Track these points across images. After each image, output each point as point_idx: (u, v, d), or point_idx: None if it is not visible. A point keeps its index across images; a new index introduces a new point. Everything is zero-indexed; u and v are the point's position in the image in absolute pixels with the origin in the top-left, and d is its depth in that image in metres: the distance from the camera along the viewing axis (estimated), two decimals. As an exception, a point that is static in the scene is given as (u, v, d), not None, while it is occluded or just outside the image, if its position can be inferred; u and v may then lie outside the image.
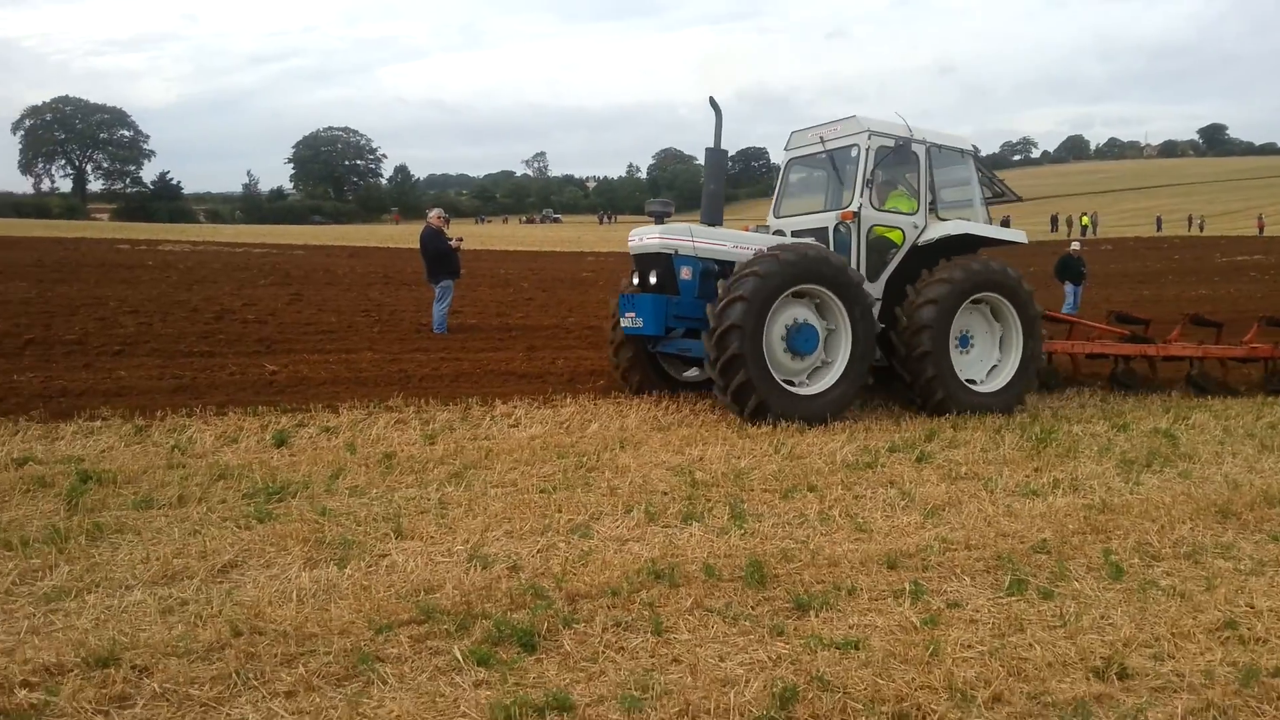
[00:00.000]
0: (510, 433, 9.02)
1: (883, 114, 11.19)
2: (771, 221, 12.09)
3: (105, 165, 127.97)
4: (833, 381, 9.96)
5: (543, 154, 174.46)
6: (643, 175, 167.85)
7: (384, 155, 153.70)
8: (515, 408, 9.96)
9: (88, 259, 27.50)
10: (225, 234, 57.30)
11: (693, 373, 11.29)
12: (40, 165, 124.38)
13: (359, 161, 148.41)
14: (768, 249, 9.94)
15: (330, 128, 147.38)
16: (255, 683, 4.03)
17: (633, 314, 10.42)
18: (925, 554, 5.77)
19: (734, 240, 10.64)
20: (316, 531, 5.89)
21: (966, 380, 10.71)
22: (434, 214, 16.42)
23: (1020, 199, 12.90)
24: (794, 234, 11.47)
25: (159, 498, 6.54)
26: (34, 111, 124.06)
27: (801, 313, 9.87)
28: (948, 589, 5.28)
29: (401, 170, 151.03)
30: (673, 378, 11.39)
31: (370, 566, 5.39)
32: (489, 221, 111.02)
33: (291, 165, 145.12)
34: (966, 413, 10.30)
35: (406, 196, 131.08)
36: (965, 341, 10.92)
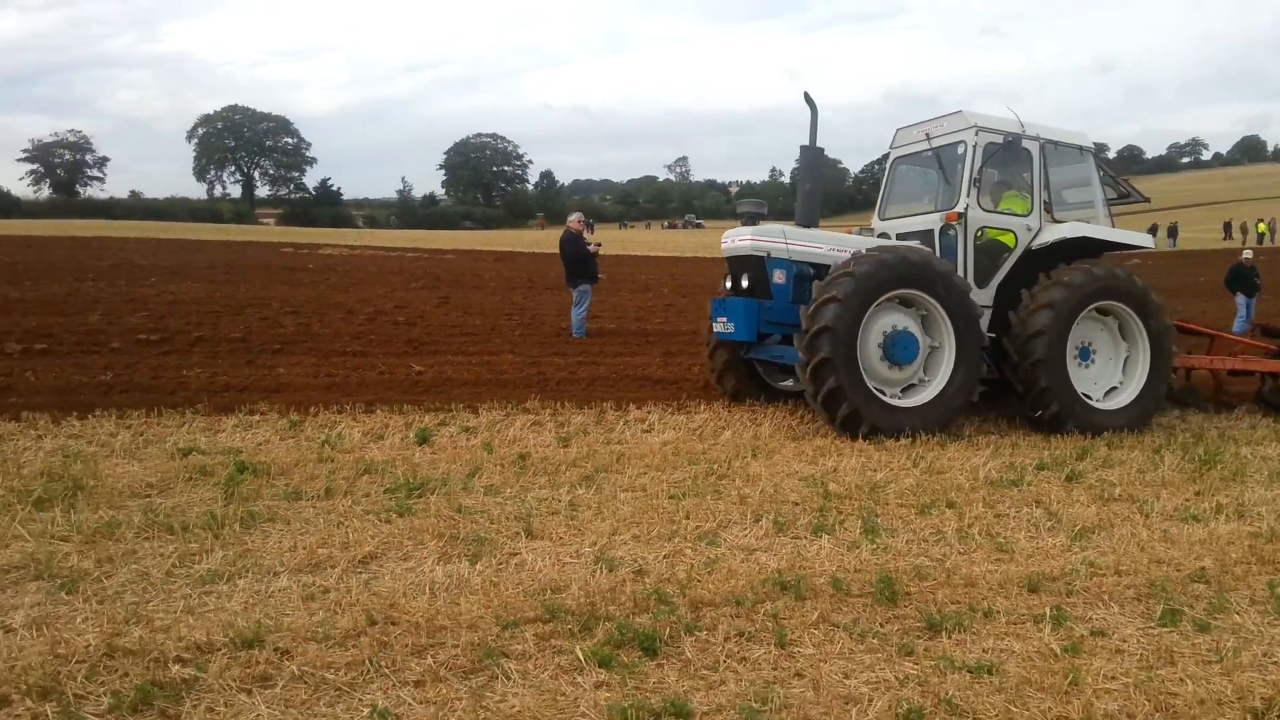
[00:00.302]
0: (643, 438, 9.08)
1: (997, 110, 10.56)
2: (876, 224, 11.64)
3: (271, 172, 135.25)
4: (934, 395, 9.46)
5: (685, 158, 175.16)
6: (786, 179, 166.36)
7: (530, 161, 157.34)
8: (649, 413, 10.02)
9: (254, 261, 29.14)
10: (381, 238, 59.76)
11: (789, 382, 10.96)
12: (212, 172, 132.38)
13: (506, 167, 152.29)
14: (866, 250, 9.53)
15: (479, 134, 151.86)
16: (387, 670, 4.17)
17: (724, 319, 10.15)
18: (1070, 578, 5.51)
19: (830, 243, 10.24)
20: (452, 527, 6.06)
21: (1083, 394, 9.99)
22: (574, 219, 16.69)
23: (1147, 200, 11.91)
24: (899, 237, 10.95)
25: (308, 490, 6.85)
26: (206, 120, 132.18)
27: (901, 320, 9.42)
28: (1093, 616, 5.02)
29: (547, 176, 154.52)
30: (770, 385, 11.07)
31: (500, 564, 5.51)
32: (631, 227, 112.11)
33: (443, 172, 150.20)
34: (1085, 432, 9.64)
35: (551, 202, 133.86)
36: (1085, 354, 10.23)
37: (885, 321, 9.36)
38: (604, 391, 11.18)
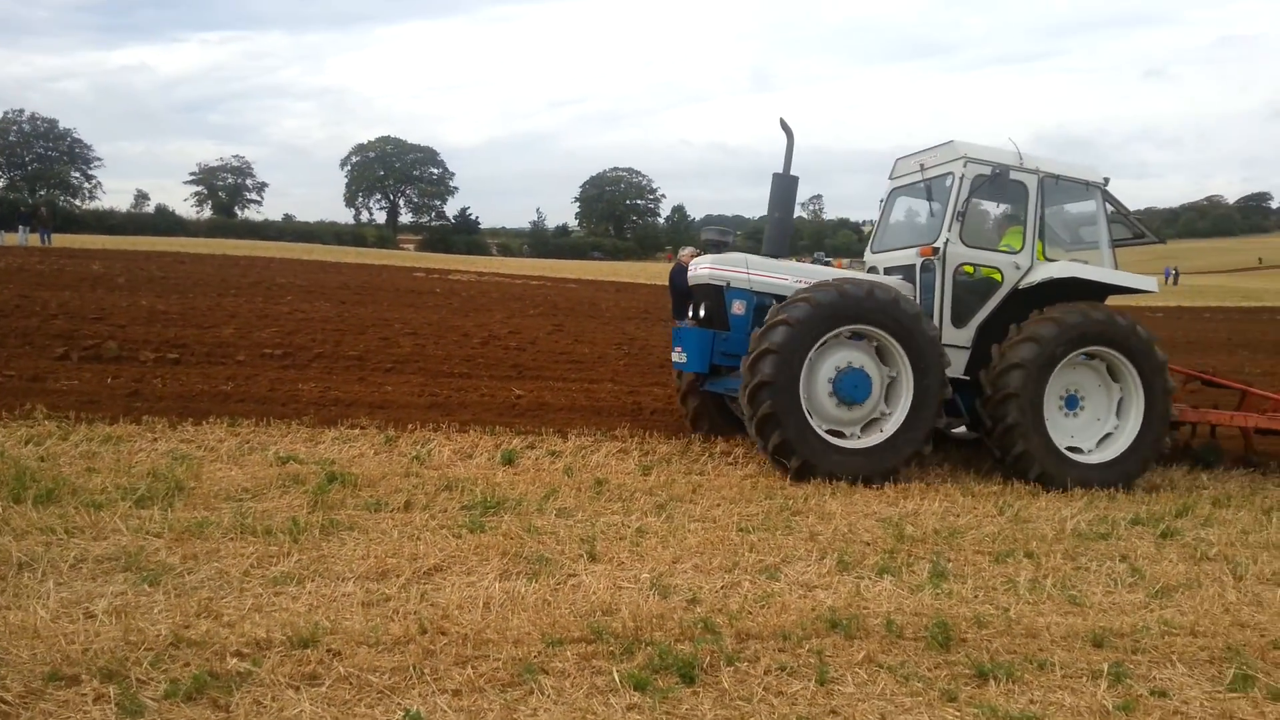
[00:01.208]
0: (725, 469, 9.10)
1: (994, 140, 9.87)
2: (868, 257, 11.12)
3: (415, 200, 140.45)
4: (884, 439, 8.92)
5: (819, 196, 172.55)
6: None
7: (663, 195, 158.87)
8: (736, 446, 10.02)
9: (386, 284, 30.30)
10: (510, 266, 61.34)
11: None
12: (361, 199, 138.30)
13: (639, 201, 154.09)
14: (811, 285, 9.02)
15: (615, 168, 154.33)
16: (429, 678, 4.34)
17: (679, 348, 9.89)
18: (1139, 635, 5.29)
19: (795, 274, 9.71)
20: (518, 546, 6.22)
21: (1068, 448, 9.36)
22: (686, 252, 16.77)
23: (1162, 241, 11.10)
24: (886, 271, 10.47)
25: (389, 502, 7.14)
26: (359, 149, 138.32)
27: (857, 356, 8.93)
28: (1157, 675, 4.82)
29: (678, 210, 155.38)
30: (737, 419, 10.35)
31: (558, 584, 5.64)
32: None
33: (577, 204, 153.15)
34: (1070, 489, 9.00)
35: (681, 236, 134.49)
36: (1073, 403, 9.59)
37: (840, 357, 8.91)
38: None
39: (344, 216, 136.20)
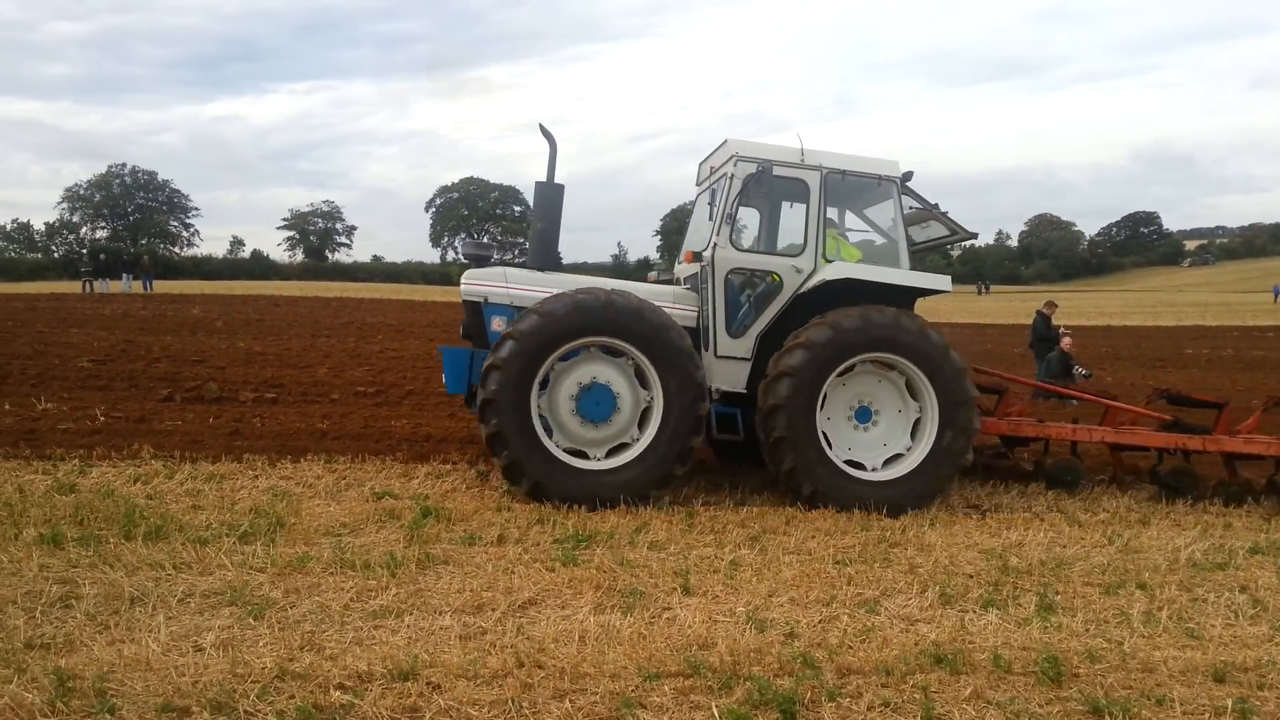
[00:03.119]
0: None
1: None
2: (678, 269, 10.23)
3: (499, 238, 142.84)
4: (630, 459, 8.36)
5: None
6: (1012, 242, 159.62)
7: (744, 226, 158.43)
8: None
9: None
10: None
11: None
12: (446, 238, 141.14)
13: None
14: (549, 297, 8.46)
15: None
16: (528, 711, 4.33)
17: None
18: (1264, 669, 5.02)
19: (558, 286, 8.86)
20: (611, 579, 6.19)
21: (851, 463, 8.70)
22: None
23: (974, 236, 10.16)
24: (684, 280, 9.78)
25: (483, 536, 7.18)
26: (443, 190, 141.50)
27: (604, 371, 8.43)
28: (1287, 714, 4.56)
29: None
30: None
31: (653, 618, 5.59)
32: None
33: (659, 236, 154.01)
34: (849, 509, 8.35)
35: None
36: (865, 415, 8.91)
37: (584, 372, 8.43)
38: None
39: (430, 256, 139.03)
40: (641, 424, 8.54)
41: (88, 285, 43.30)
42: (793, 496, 8.59)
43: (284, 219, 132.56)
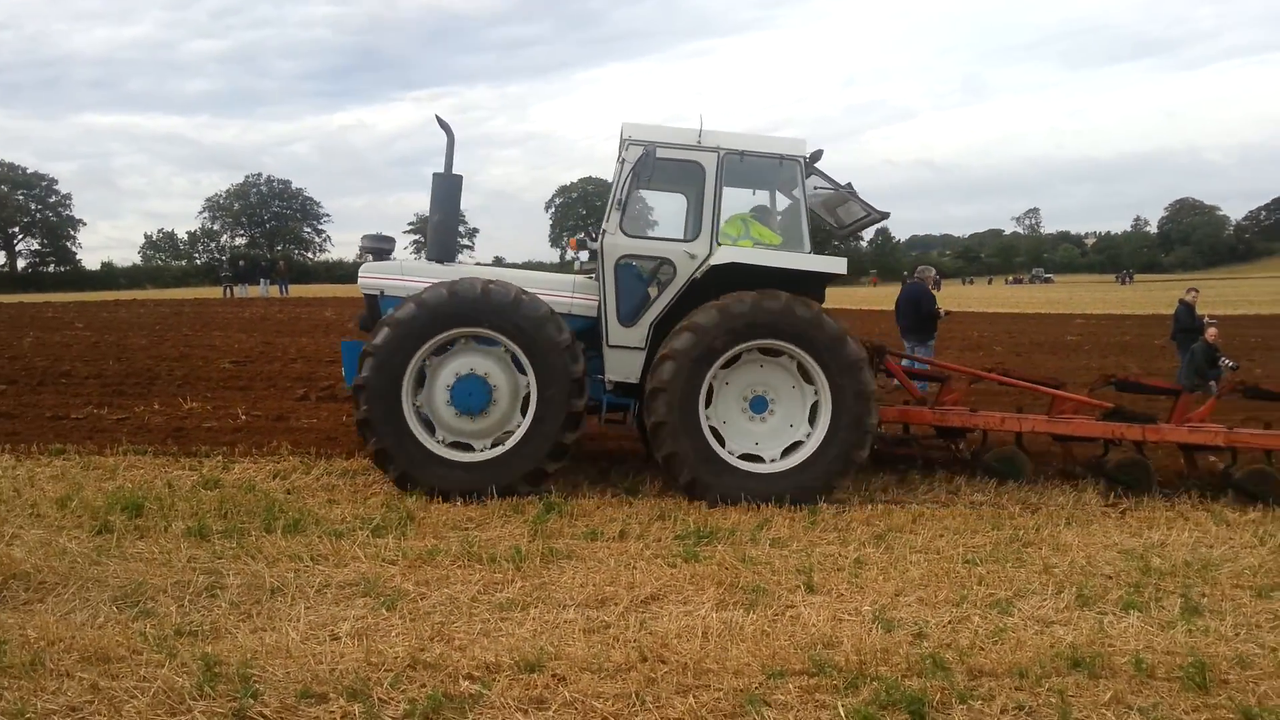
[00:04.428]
0: (947, 498, 8.69)
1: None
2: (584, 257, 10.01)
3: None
4: (503, 452, 8.22)
5: (1035, 210, 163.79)
6: (1151, 228, 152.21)
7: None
8: (957, 474, 9.58)
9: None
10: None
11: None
12: (564, 238, 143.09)
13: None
14: (428, 286, 8.34)
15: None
16: (651, 705, 4.34)
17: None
18: None
19: (453, 277, 8.62)
20: (733, 576, 6.16)
21: (742, 455, 8.34)
22: (927, 272, 16.99)
23: (886, 215, 9.43)
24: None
25: (605, 531, 7.25)
26: (562, 190, 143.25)
27: (481, 363, 8.25)
28: None
29: (882, 232, 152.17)
30: None
31: (776, 615, 5.54)
32: (973, 282, 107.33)
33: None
34: (734, 502, 8.08)
35: (887, 258, 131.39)
36: (760, 405, 8.51)
37: (462, 363, 8.26)
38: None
39: (550, 256, 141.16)
40: (522, 412, 8.44)
41: (228, 290, 45.58)
42: (672, 484, 8.45)
43: (410, 223, 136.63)
